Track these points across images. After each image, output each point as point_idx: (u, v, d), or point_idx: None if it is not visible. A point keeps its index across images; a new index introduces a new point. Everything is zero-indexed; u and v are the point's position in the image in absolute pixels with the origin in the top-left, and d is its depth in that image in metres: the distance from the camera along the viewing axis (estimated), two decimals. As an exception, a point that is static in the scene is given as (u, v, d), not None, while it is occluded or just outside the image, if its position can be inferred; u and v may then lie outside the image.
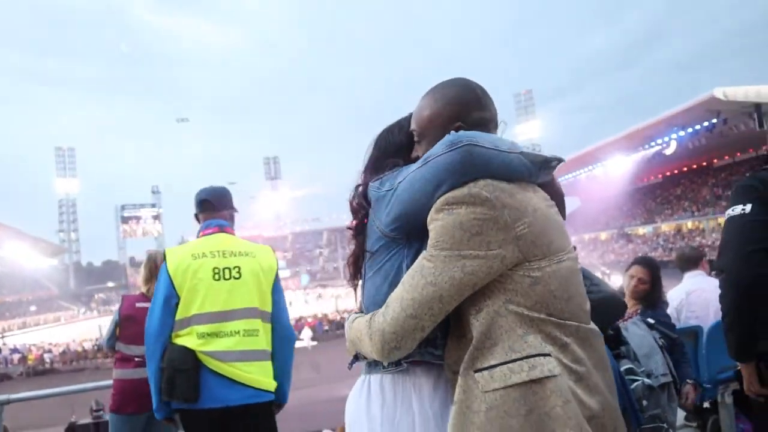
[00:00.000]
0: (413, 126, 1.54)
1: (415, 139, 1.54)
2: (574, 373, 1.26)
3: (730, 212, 2.11)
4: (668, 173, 53.61)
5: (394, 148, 1.62)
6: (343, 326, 39.38)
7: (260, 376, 2.69)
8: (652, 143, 39.63)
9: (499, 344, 1.26)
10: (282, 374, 2.84)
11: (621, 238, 57.34)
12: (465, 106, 1.46)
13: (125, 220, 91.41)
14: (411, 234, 1.43)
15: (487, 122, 1.47)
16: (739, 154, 43.00)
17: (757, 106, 28.65)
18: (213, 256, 2.73)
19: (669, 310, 4.25)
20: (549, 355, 1.24)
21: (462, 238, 1.25)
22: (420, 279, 1.29)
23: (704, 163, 49.16)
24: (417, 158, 1.48)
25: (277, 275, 2.94)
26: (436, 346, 1.45)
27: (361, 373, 1.62)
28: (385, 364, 1.48)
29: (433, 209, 1.31)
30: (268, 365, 2.77)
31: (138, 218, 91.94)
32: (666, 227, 50.97)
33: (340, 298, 54.41)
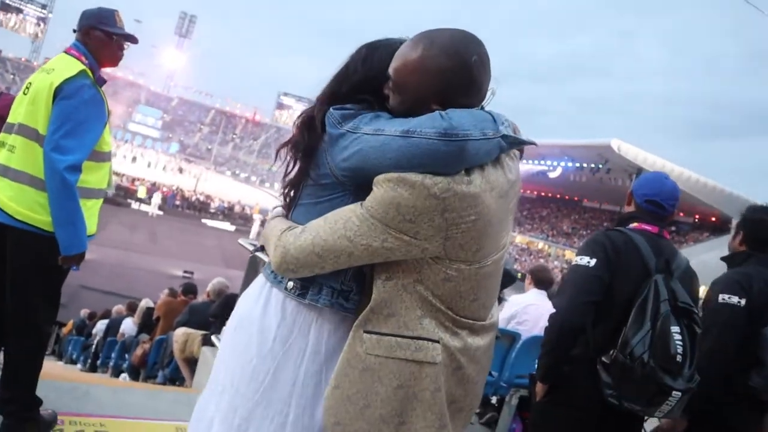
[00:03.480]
0: (391, 72, 1.37)
1: (389, 85, 1.38)
2: (456, 361, 1.33)
3: (578, 260, 2.37)
4: (543, 194, 56.83)
5: (362, 84, 1.45)
6: (194, 207, 38.46)
7: (4, 194, 2.52)
8: (542, 162, 41.80)
9: (395, 316, 1.30)
10: (55, 219, 2.48)
11: (479, 233, 60.25)
12: (452, 89, 1.33)
13: (4, 7, 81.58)
14: (361, 187, 1.34)
15: (471, 107, 1.36)
16: (607, 203, 46.46)
17: (639, 170, 31.17)
18: (39, 73, 2.65)
19: (504, 311, 4.78)
20: (438, 342, 1.30)
21: (394, 218, 1.24)
22: (341, 228, 1.28)
23: (576, 198, 52.64)
24: (387, 96, 1.40)
25: (60, 92, 2.48)
26: (348, 299, 1.43)
27: (262, 271, 1.56)
28: (288, 286, 1.43)
29: (384, 176, 1.25)
30: (17, 187, 2.50)
31: (20, 11, 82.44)
32: (520, 239, 54.27)
33: (200, 181, 52.86)
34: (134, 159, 60.64)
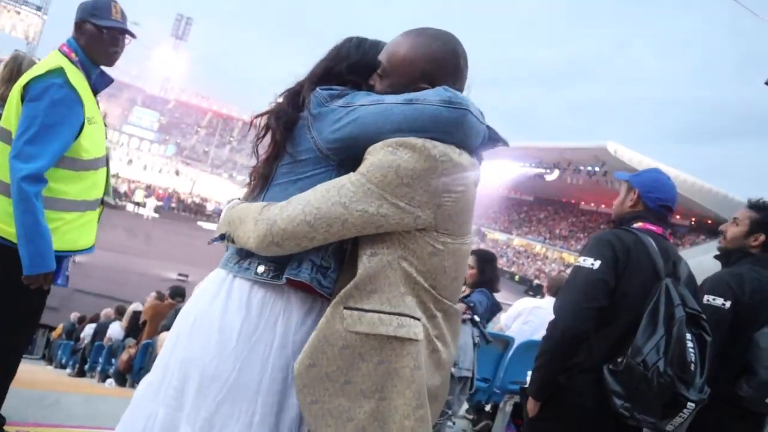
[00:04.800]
0: (382, 58, 1.44)
1: (379, 71, 1.44)
2: (431, 343, 1.33)
3: (581, 261, 2.20)
4: (540, 196, 56.93)
5: (355, 65, 1.49)
6: (190, 210, 38.32)
7: None
8: (538, 164, 41.85)
9: (378, 292, 1.29)
10: (17, 233, 2.21)
11: (476, 235, 60.42)
12: (442, 71, 1.40)
13: (3, 11, 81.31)
14: (346, 160, 1.36)
15: None
16: (603, 205, 46.52)
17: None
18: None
19: (509, 311, 4.84)
20: (419, 320, 1.30)
21: (392, 181, 1.25)
22: (334, 194, 1.26)
23: (573, 201, 52.75)
24: (372, 86, 1.45)
25: (27, 92, 2.25)
26: (325, 276, 1.39)
27: (221, 266, 1.47)
28: (260, 270, 1.37)
29: (380, 142, 1.28)
30: None
31: (17, 12, 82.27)
32: (518, 242, 54.37)
33: (197, 183, 52.76)
34: (130, 161, 60.42)
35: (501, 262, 50.81)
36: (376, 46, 1.51)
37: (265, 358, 1.36)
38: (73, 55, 2.39)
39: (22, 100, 2.25)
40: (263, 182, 1.47)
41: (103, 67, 2.54)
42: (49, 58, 2.37)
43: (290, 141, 1.41)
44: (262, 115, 1.51)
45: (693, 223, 39.28)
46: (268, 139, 1.49)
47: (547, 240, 49.76)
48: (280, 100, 1.48)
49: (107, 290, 16.12)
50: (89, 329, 9.44)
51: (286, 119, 1.42)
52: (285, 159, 1.42)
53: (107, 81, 2.59)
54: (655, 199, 2.35)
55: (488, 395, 4.24)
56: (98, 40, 2.43)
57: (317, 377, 1.28)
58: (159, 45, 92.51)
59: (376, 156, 1.27)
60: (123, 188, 36.32)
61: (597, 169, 35.88)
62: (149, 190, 37.87)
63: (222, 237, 1.45)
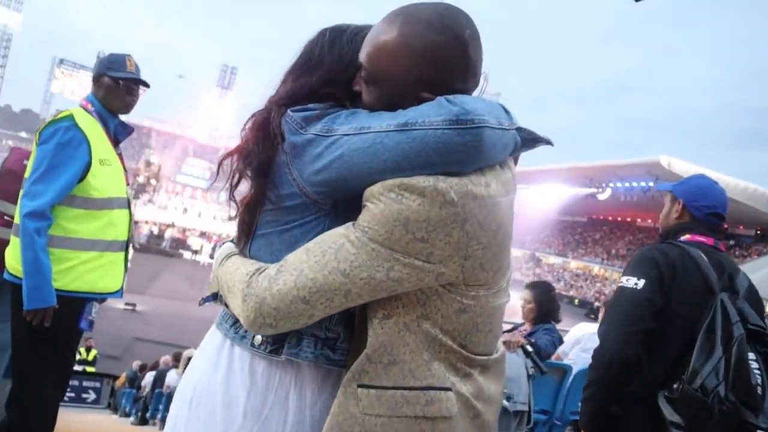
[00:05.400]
0: (362, 59, 1.11)
1: (362, 75, 1.12)
2: (472, 409, 1.09)
3: (624, 281, 2.05)
4: (594, 216, 55.57)
5: (329, 73, 1.17)
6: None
7: (8, 250, 2.47)
8: (590, 184, 40.98)
9: (399, 364, 1.04)
10: (21, 265, 2.32)
11: (531, 261, 59.27)
12: (445, 71, 1.07)
13: (60, 75, 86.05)
14: (340, 201, 1.10)
15: (468, 93, 1.11)
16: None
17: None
18: None
19: (567, 337, 4.61)
20: (450, 389, 1.05)
21: (401, 238, 0.98)
22: (332, 260, 1.01)
23: (629, 219, 51.28)
24: (358, 93, 1.15)
25: (39, 138, 2.42)
26: (334, 349, 1.15)
27: (216, 326, 1.24)
28: (255, 341, 1.14)
29: (379, 184, 1.00)
30: (14, 241, 2.41)
31: (74, 79, 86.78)
32: (574, 265, 53.03)
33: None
34: (185, 210, 62.18)
35: (559, 287, 49.66)
36: (356, 37, 1.18)
37: None
38: (89, 106, 2.59)
39: (36, 146, 2.42)
40: (247, 230, 1.20)
41: (122, 117, 2.71)
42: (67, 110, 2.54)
43: (269, 185, 1.13)
44: (228, 155, 1.23)
45: (758, 232, 37.52)
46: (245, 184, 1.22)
47: (605, 261, 48.37)
48: (245, 133, 1.20)
49: (167, 337, 16.47)
50: (149, 377, 9.61)
51: (258, 161, 1.13)
52: (267, 205, 1.15)
53: (128, 130, 2.76)
54: (702, 207, 2.19)
55: (549, 427, 4.05)
56: (115, 91, 2.63)
57: None
58: (206, 96, 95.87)
59: (377, 205, 0.99)
60: (179, 236, 37.34)
61: (651, 184, 34.82)
62: (204, 237, 38.74)
63: (214, 296, 1.24)
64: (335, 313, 1.09)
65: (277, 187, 1.12)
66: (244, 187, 1.21)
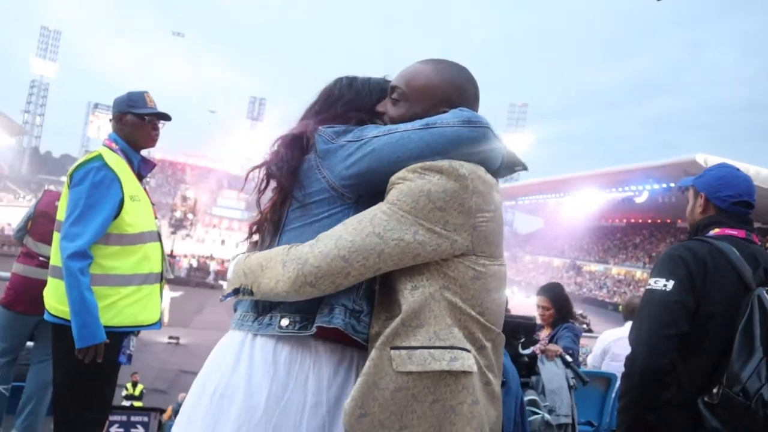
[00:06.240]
0: (398, 83, 1.42)
1: (394, 96, 1.42)
2: (484, 376, 1.26)
3: (652, 283, 1.97)
4: (632, 220, 54.62)
5: (351, 102, 1.47)
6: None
7: (46, 292, 2.53)
8: (625, 188, 40.31)
9: (425, 327, 1.21)
10: (68, 306, 2.36)
11: (572, 269, 58.38)
12: (462, 97, 1.39)
13: (95, 119, 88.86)
14: (363, 196, 1.32)
15: None
16: (702, 220, 43.92)
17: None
18: None
19: (594, 350, 4.53)
20: (469, 351, 1.23)
21: (425, 206, 1.21)
22: (368, 225, 1.21)
23: (668, 220, 50.22)
24: (380, 113, 1.44)
25: (71, 180, 2.49)
26: (359, 321, 1.29)
27: (235, 327, 1.36)
28: (285, 323, 1.28)
29: (404, 169, 1.25)
30: (54, 283, 2.49)
31: (109, 121, 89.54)
32: (616, 270, 52.03)
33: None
34: (223, 242, 63.11)
35: (602, 294, 48.79)
36: (368, 83, 1.51)
37: (298, 420, 1.25)
38: (113, 145, 2.66)
39: (69, 188, 2.48)
40: (274, 228, 1.40)
41: (154, 154, 2.76)
42: (93, 151, 2.61)
43: (297, 185, 1.35)
44: (258, 167, 1.46)
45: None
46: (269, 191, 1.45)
47: (647, 264, 47.37)
48: (275, 148, 1.42)
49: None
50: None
51: (288, 166, 1.36)
52: (293, 204, 1.36)
53: (150, 166, 2.84)
54: (726, 197, 2.08)
55: (597, 439, 3.95)
56: (140, 127, 2.72)
57: (370, 427, 1.19)
58: (237, 128, 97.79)
59: (404, 184, 1.23)
60: (218, 268, 37.83)
61: (689, 183, 34.04)
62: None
63: (236, 291, 1.35)
64: (361, 287, 1.30)
65: (304, 187, 1.35)
66: (268, 196, 1.44)
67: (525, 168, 1.45)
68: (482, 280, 1.26)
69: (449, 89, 1.39)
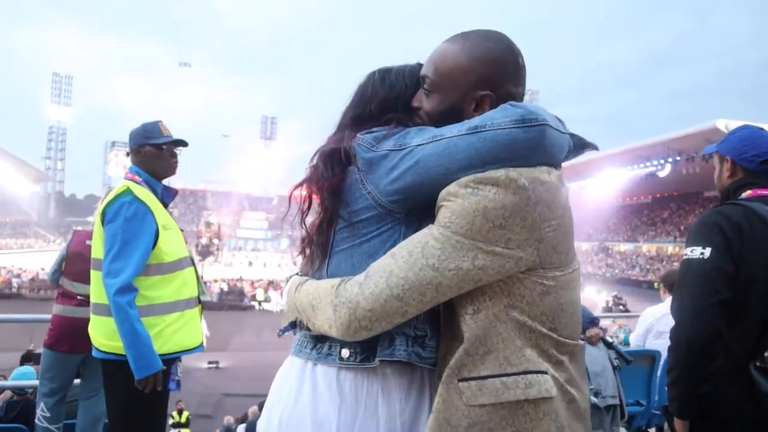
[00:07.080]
0: (426, 71, 1.26)
1: (425, 86, 1.27)
2: (567, 394, 1.13)
3: (688, 252, 1.90)
4: (658, 195, 53.82)
5: (385, 101, 1.32)
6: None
7: (92, 329, 2.58)
8: (647, 163, 39.78)
9: (493, 353, 1.10)
10: (122, 340, 2.41)
11: (601, 252, 57.68)
12: (501, 73, 1.21)
13: (114, 157, 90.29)
14: (413, 210, 1.19)
15: (518, 99, 1.23)
16: (730, 187, 43.19)
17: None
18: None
19: (637, 329, 4.43)
20: (546, 373, 1.11)
21: (482, 227, 1.06)
22: (420, 258, 1.08)
23: (694, 191, 49.40)
24: (416, 109, 1.30)
25: (104, 217, 2.52)
26: (424, 347, 1.21)
27: (294, 354, 1.29)
28: (345, 354, 1.19)
29: (454, 183, 1.09)
30: (98, 320, 2.54)
31: (126, 155, 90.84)
32: (647, 248, 51.30)
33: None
34: (250, 263, 63.57)
35: (634, 273, 48.10)
36: (402, 73, 1.34)
37: None
38: (136, 177, 2.68)
39: (103, 225, 2.51)
40: (322, 251, 1.27)
41: (175, 184, 2.79)
42: (117, 186, 2.65)
43: (341, 204, 1.23)
44: (299, 185, 1.33)
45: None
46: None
47: (678, 238, 46.62)
48: (314, 162, 1.30)
49: (254, 388, 16.58)
50: (241, 430, 9.73)
51: (330, 184, 1.23)
52: (340, 223, 1.23)
53: (173, 193, 2.87)
54: (753, 157, 2.01)
55: (647, 419, 3.90)
56: (159, 157, 2.75)
57: None
58: (252, 149, 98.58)
59: (455, 202, 1.08)
60: (246, 289, 38.11)
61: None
62: (271, 286, 39.39)
63: (293, 324, 1.29)
64: (422, 313, 1.15)
65: (350, 204, 1.22)
66: (311, 217, 1.33)
67: (596, 148, 1.29)
68: (552, 295, 1.12)
69: (484, 69, 1.20)
